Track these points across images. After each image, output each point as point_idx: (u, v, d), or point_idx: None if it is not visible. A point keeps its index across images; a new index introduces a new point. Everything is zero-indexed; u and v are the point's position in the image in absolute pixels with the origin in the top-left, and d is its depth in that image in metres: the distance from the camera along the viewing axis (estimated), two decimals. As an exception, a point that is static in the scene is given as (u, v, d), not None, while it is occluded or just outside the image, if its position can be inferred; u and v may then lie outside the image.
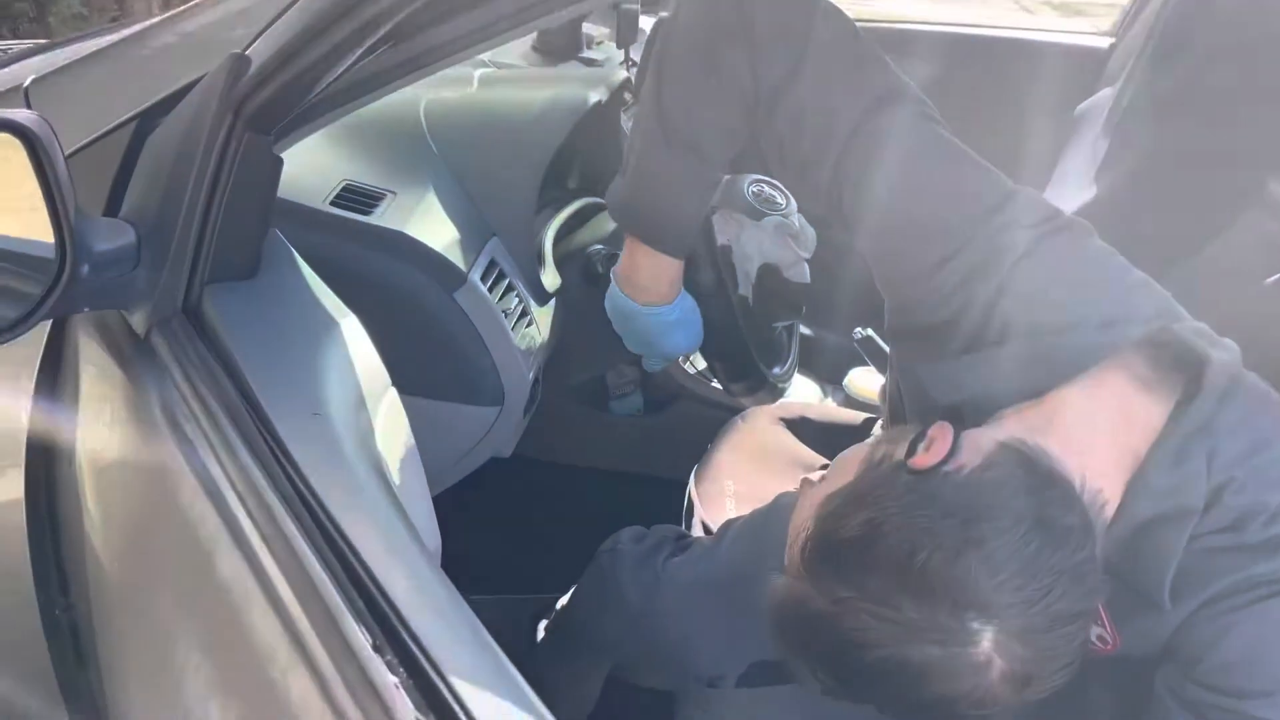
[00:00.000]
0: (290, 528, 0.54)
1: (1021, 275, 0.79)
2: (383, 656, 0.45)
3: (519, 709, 0.43)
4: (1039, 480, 0.70)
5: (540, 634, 1.26)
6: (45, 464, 0.93)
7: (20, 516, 0.92)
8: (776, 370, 1.20)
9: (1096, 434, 0.73)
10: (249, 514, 0.57)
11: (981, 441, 0.72)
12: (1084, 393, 0.75)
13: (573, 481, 1.59)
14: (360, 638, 0.46)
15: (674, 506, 1.35)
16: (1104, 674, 0.91)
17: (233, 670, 0.53)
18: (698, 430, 1.44)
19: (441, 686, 0.43)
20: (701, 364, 1.59)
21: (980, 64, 2.06)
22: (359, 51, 0.68)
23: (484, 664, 0.45)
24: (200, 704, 0.54)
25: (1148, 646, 0.77)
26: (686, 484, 1.38)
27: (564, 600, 1.22)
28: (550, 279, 1.18)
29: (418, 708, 0.42)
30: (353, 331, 0.80)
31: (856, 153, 0.85)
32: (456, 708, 0.42)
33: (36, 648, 0.97)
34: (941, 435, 0.72)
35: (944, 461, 0.70)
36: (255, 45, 0.72)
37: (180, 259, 0.79)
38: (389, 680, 0.43)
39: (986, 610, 0.65)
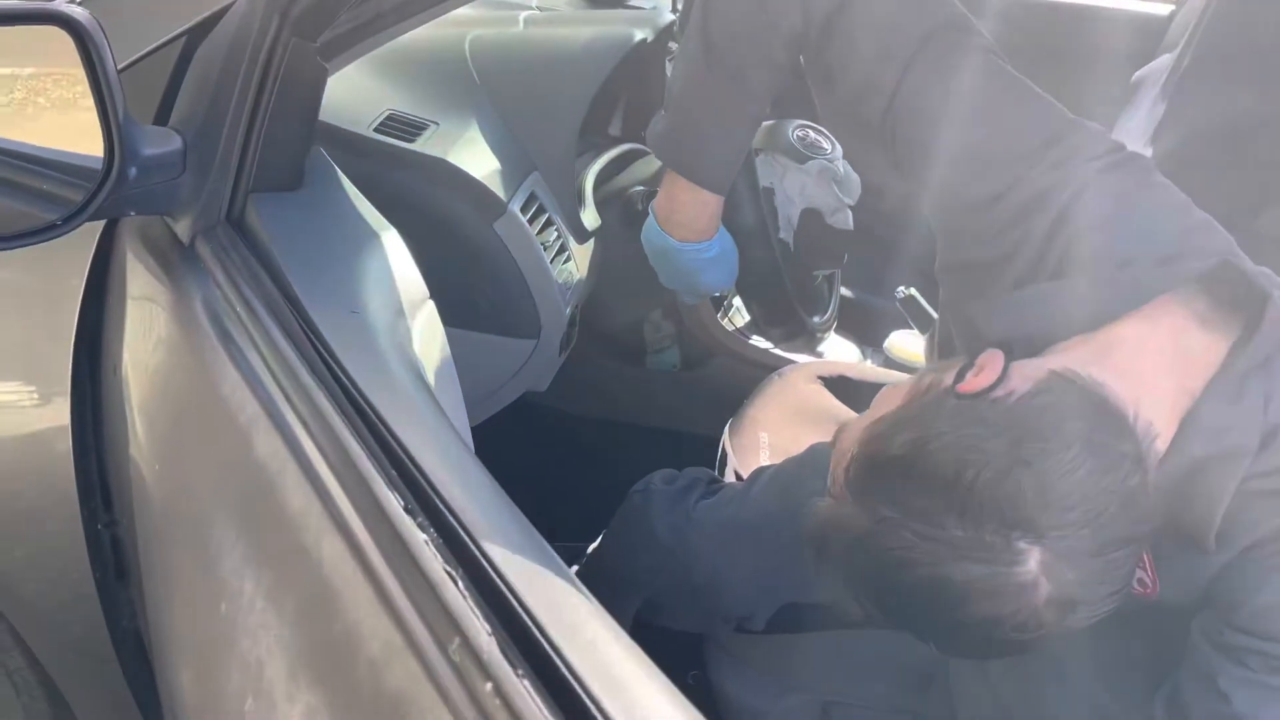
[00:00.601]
0: (325, 405, 0.54)
1: (1080, 207, 0.78)
2: (414, 518, 0.45)
3: (544, 566, 0.43)
4: (1091, 407, 0.68)
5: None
6: (92, 376, 0.95)
7: (67, 443, 0.95)
8: (816, 319, 1.19)
9: (1151, 369, 0.71)
10: (286, 396, 0.58)
11: (1032, 370, 0.71)
12: (1140, 327, 0.73)
13: (607, 435, 1.59)
14: (393, 502, 0.46)
15: (707, 463, 1.35)
16: (1140, 626, 0.90)
17: (266, 541, 0.54)
18: (734, 387, 1.43)
19: (470, 544, 0.43)
20: (740, 320, 1.58)
21: (1043, 29, 2.02)
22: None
23: (510, 525, 0.45)
24: (235, 578, 0.55)
25: (1187, 592, 0.75)
26: (720, 441, 1.37)
27: (594, 544, 1.22)
28: (590, 218, 1.18)
29: (447, 563, 0.42)
30: (393, 244, 0.81)
31: (915, 79, 0.83)
32: (484, 563, 0.42)
33: (81, 565, 1.00)
34: (991, 362, 0.71)
35: (993, 386, 0.69)
36: (303, -55, 0.73)
37: (225, 166, 0.79)
38: (419, 538, 0.44)
39: (1034, 529, 0.64)
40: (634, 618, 1.12)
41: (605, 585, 1.17)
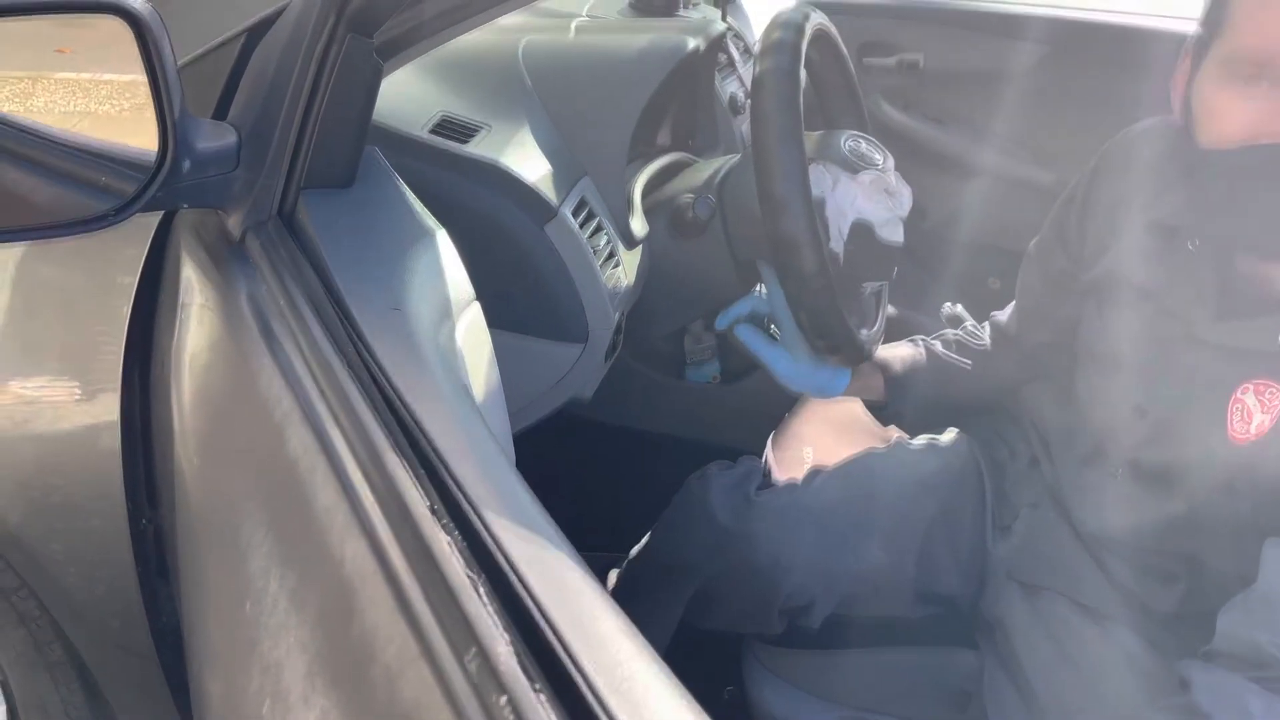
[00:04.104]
0: (359, 402, 0.54)
1: None
2: (439, 520, 0.44)
3: (571, 577, 0.41)
4: None
5: (612, 581, 1.25)
6: (142, 371, 0.96)
7: (112, 439, 0.96)
8: (864, 333, 1.17)
9: None
10: (321, 392, 0.57)
11: None
12: None
13: (646, 447, 1.58)
14: (419, 502, 0.45)
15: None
16: (1169, 644, 0.87)
17: (292, 540, 0.53)
18: (774, 402, 1.40)
19: (495, 549, 0.42)
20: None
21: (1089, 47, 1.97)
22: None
23: (539, 533, 0.44)
24: (261, 577, 0.55)
25: None
26: (761, 455, 1.35)
27: (641, 543, 1.21)
28: (639, 225, 1.17)
29: (468, 567, 0.41)
30: (443, 244, 0.80)
31: None
32: (508, 570, 0.40)
33: (124, 560, 1.01)
34: None
35: None
36: (360, -58, 0.73)
37: (278, 162, 0.80)
38: (443, 540, 0.43)
39: None
40: (682, 618, 1.11)
41: (655, 577, 1.16)
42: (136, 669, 1.05)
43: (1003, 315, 1.19)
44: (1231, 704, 0.71)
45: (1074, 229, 1.03)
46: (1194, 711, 0.72)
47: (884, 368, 1.14)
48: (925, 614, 1.10)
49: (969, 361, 1.15)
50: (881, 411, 1.18)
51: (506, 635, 0.37)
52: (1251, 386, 0.83)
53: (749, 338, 1.13)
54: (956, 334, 1.19)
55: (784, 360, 1.11)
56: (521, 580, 0.40)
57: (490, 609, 0.38)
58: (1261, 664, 0.71)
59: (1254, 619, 0.73)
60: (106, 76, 0.95)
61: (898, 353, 1.16)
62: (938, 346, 1.17)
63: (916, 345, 1.18)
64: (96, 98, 0.96)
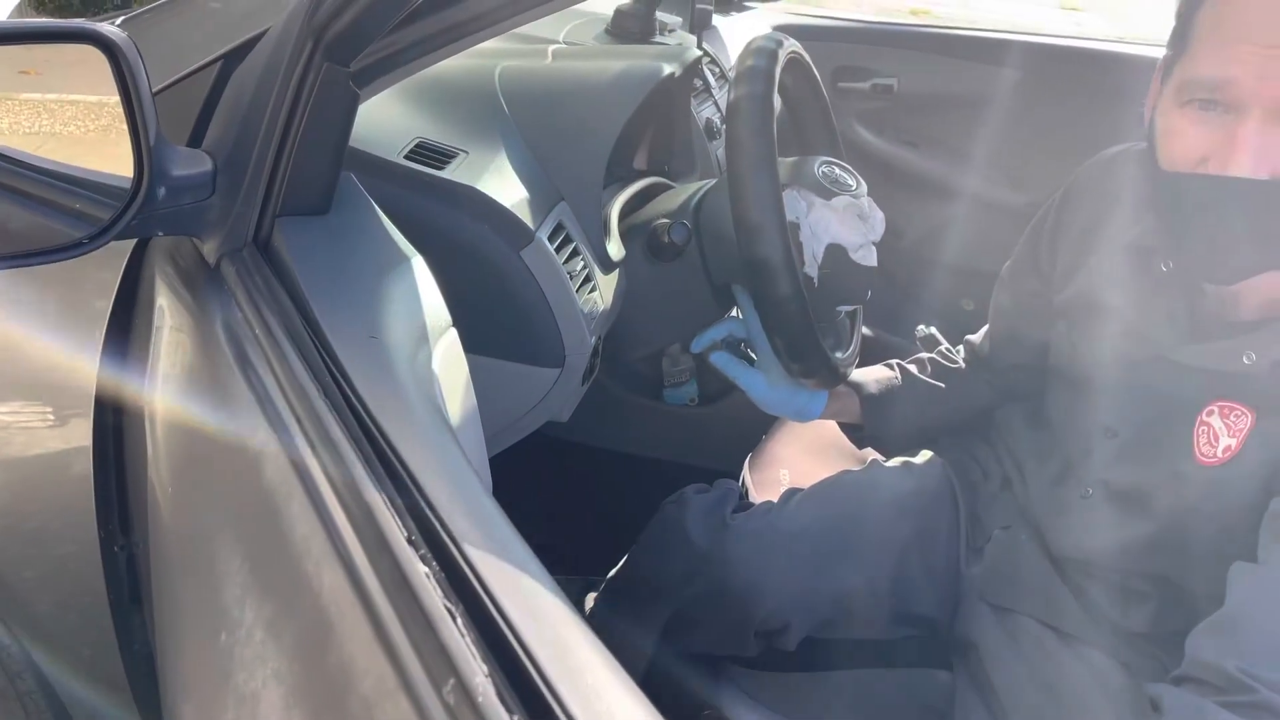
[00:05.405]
0: (336, 430, 0.54)
1: None
2: (416, 550, 0.44)
3: (549, 606, 0.41)
4: None
5: (589, 604, 1.25)
6: (115, 398, 0.96)
7: (83, 465, 0.95)
8: (839, 355, 1.18)
9: None
10: (297, 419, 0.57)
11: None
12: None
13: (624, 468, 1.58)
14: (396, 532, 0.45)
15: (726, 498, 1.33)
16: (1143, 665, 0.89)
17: (268, 569, 0.53)
18: (751, 423, 1.42)
19: (473, 579, 0.42)
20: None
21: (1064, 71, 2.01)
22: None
23: (516, 562, 0.44)
24: (236, 607, 0.54)
25: (1262, 460, 0.80)
26: (738, 476, 1.36)
27: (619, 565, 1.21)
28: (615, 248, 1.17)
29: (446, 597, 0.41)
30: (419, 270, 0.80)
31: None
32: (486, 600, 0.41)
33: (95, 587, 0.99)
34: None
35: None
36: (337, -28, 0.73)
37: (254, 189, 0.80)
38: (420, 570, 0.43)
39: None
40: (659, 640, 1.11)
41: (633, 599, 1.16)
42: (109, 699, 1.04)
43: (976, 337, 1.21)
44: None
45: (1046, 251, 1.05)
46: None
47: (860, 390, 1.15)
48: (901, 635, 1.11)
49: (943, 383, 1.16)
50: (858, 434, 1.19)
51: (484, 666, 0.37)
52: (1217, 408, 0.84)
53: (724, 363, 1.14)
54: (931, 356, 1.21)
55: (761, 384, 1.12)
56: (499, 610, 0.40)
57: (468, 639, 0.39)
58: (1229, 688, 0.72)
59: (1221, 644, 0.74)
60: (72, 98, 0.95)
61: (873, 375, 1.18)
62: (912, 369, 1.18)
63: (892, 368, 1.19)
64: (62, 119, 0.96)
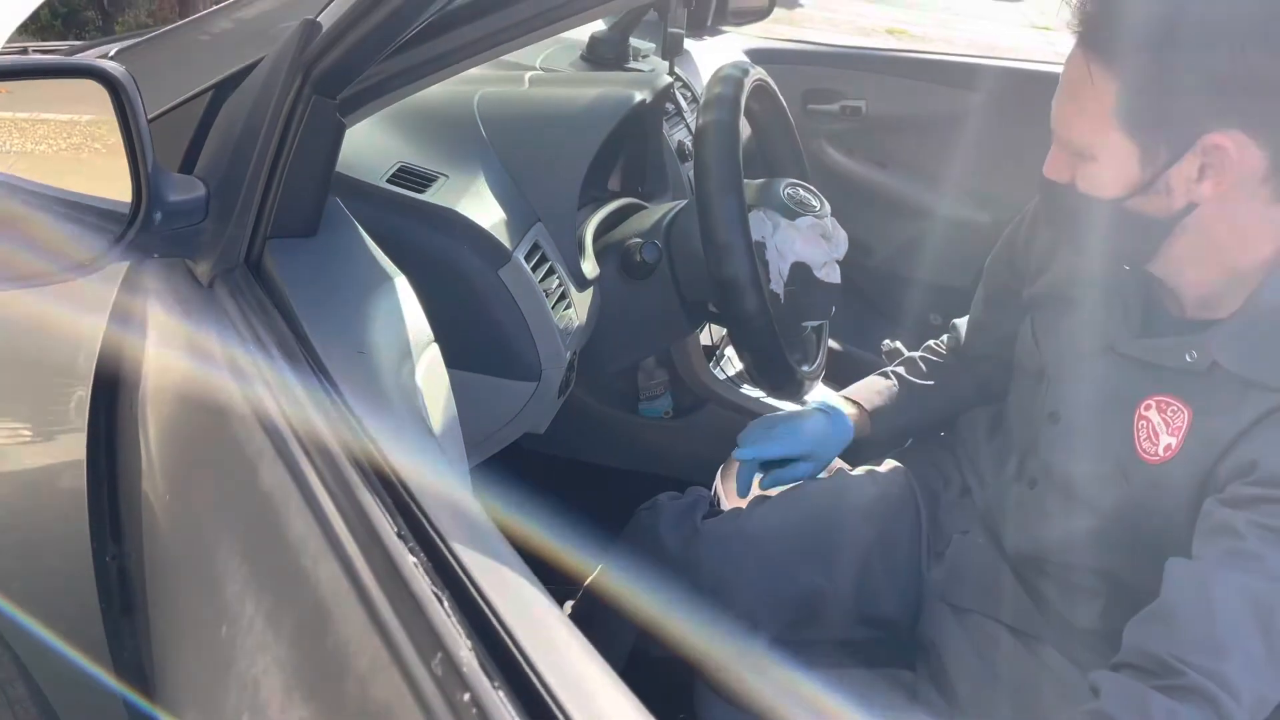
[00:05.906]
0: (329, 438, 0.58)
1: None
2: (405, 543, 0.49)
3: (524, 589, 0.46)
4: None
5: (566, 611, 1.29)
6: (109, 411, 0.99)
7: (75, 478, 0.98)
8: (805, 369, 1.23)
9: None
10: (292, 429, 0.62)
11: None
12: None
13: (599, 480, 1.63)
14: (386, 527, 0.50)
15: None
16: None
17: (267, 565, 0.57)
18: (725, 436, 1.46)
19: (457, 567, 0.47)
20: (731, 370, 1.62)
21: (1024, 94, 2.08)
22: (421, 17, 0.73)
23: (495, 551, 0.49)
24: (237, 602, 0.58)
25: (1200, 460, 0.85)
26: (711, 487, 1.40)
27: (597, 569, 1.25)
28: (590, 267, 1.23)
29: (433, 584, 0.46)
30: (403, 289, 0.85)
31: None
32: (468, 584, 0.45)
33: (87, 597, 1.02)
34: None
35: None
36: (325, 11, 0.78)
37: (245, 214, 0.84)
38: (409, 561, 0.47)
39: None
40: (634, 645, 1.15)
41: (607, 606, 1.20)
42: (99, 706, 1.07)
43: (961, 322, 1.25)
44: (1136, 709, 0.77)
45: (1021, 246, 1.10)
46: (1101, 715, 0.78)
47: (865, 403, 1.20)
48: (867, 636, 1.15)
49: (932, 380, 1.20)
50: (865, 444, 1.22)
51: (468, 641, 0.42)
52: (1154, 402, 0.89)
53: (775, 480, 1.19)
54: (921, 354, 1.25)
55: (812, 466, 1.18)
56: (480, 593, 0.45)
57: (453, 619, 0.43)
58: (1162, 673, 0.77)
59: (1155, 633, 0.80)
60: (44, 116, 0.98)
61: (874, 386, 1.22)
62: (902, 371, 1.22)
63: (888, 376, 1.23)
64: (33, 137, 0.99)
